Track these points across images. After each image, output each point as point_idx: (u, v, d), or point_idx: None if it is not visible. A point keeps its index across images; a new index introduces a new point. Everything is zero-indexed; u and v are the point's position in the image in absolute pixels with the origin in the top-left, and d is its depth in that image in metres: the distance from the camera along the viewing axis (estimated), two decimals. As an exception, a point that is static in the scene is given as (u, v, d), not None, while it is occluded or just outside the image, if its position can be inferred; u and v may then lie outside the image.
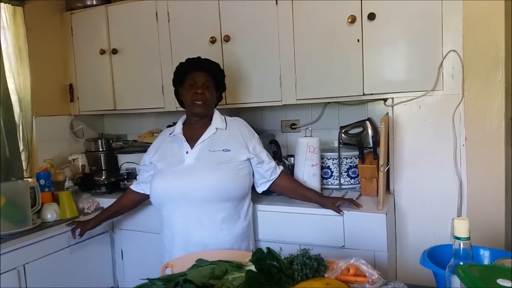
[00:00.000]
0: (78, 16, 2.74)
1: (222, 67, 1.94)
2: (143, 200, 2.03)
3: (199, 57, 1.86)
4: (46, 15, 2.70)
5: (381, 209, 1.82)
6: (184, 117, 1.89)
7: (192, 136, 1.79)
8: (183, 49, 2.37)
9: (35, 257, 1.94)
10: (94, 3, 2.69)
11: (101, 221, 2.03)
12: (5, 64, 2.39)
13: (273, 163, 1.88)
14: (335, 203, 1.83)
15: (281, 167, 1.93)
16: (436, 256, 1.28)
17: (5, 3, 2.39)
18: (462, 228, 0.96)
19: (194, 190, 1.66)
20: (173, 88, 1.94)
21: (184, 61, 1.87)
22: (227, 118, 1.88)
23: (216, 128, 1.80)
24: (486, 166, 1.90)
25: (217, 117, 1.84)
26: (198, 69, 1.80)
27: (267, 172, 1.85)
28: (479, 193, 1.91)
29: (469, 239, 0.96)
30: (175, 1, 2.42)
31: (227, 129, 1.82)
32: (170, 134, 1.87)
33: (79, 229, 1.98)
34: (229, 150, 1.74)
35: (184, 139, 1.79)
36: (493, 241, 1.80)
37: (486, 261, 1.31)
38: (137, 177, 2.03)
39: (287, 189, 1.92)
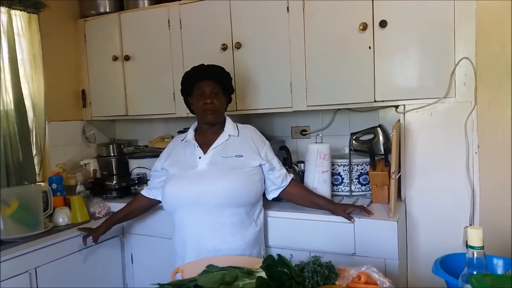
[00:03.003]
0: (92, 24, 2.78)
1: (233, 74, 1.96)
2: (153, 205, 2.04)
3: (202, 65, 1.87)
4: (60, 23, 2.74)
5: (392, 217, 1.81)
6: (196, 124, 1.91)
7: (204, 142, 1.81)
8: (194, 56, 2.39)
9: (46, 261, 1.95)
10: (107, 10, 2.73)
11: (110, 225, 2.04)
12: (20, 70, 2.43)
13: (284, 170, 1.88)
14: (346, 210, 1.82)
15: (292, 175, 1.93)
16: (448, 265, 1.26)
17: (20, 10, 2.44)
18: (475, 237, 0.95)
19: (207, 195, 1.67)
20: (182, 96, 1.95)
21: (189, 69, 1.87)
22: (239, 125, 1.89)
23: (229, 135, 1.81)
24: (499, 174, 1.88)
25: (229, 124, 1.85)
26: (204, 78, 1.80)
27: (278, 179, 1.85)
28: (491, 201, 1.89)
29: (483, 248, 0.95)
30: (187, 8, 2.45)
31: (239, 136, 1.83)
32: (182, 141, 1.88)
33: (91, 237, 1.99)
34: (242, 156, 1.76)
35: (196, 144, 1.80)
36: (506, 250, 1.77)
37: (499, 271, 1.29)
38: (148, 182, 2.04)
39: (298, 196, 1.91)
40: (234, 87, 1.97)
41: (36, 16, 2.53)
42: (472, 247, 0.95)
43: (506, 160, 1.86)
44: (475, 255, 0.95)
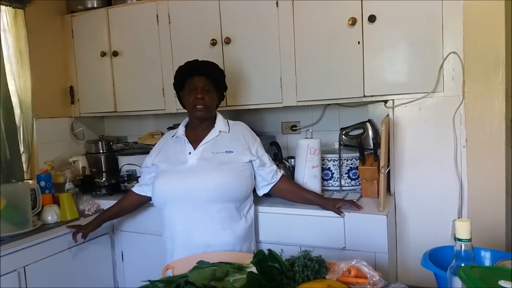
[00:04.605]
0: (79, 19, 2.74)
1: (223, 69, 1.95)
2: (144, 202, 2.03)
3: (196, 60, 1.86)
4: (47, 18, 2.70)
5: (381, 211, 1.82)
6: (187, 119, 1.90)
7: (194, 138, 1.81)
8: (183, 51, 2.37)
9: (35, 259, 1.94)
10: (95, 5, 2.69)
11: (101, 222, 2.03)
12: (6, 66, 2.39)
13: (275, 166, 1.89)
14: (336, 205, 1.83)
15: (282, 171, 1.93)
16: (437, 258, 1.28)
17: (6, 5, 2.40)
18: (463, 230, 0.96)
19: (197, 190, 1.67)
20: (173, 90, 1.94)
21: (183, 64, 1.87)
22: (230, 121, 1.89)
23: (220, 131, 1.81)
24: (487, 168, 1.90)
25: (220, 121, 1.85)
26: (197, 73, 1.80)
27: (269, 174, 1.86)
28: (479, 195, 1.91)
29: (471, 241, 0.96)
30: (176, 3, 2.42)
31: (230, 132, 1.84)
32: (172, 137, 1.88)
33: (80, 233, 1.98)
34: (232, 152, 1.76)
35: (186, 140, 1.80)
36: (494, 242, 1.80)
37: (487, 263, 1.31)
38: (139, 179, 2.03)
39: (288, 192, 1.92)
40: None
41: (22, 11, 2.49)
42: (460, 240, 0.96)
43: (494, 153, 1.88)
44: (463, 247, 0.96)
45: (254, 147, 1.83)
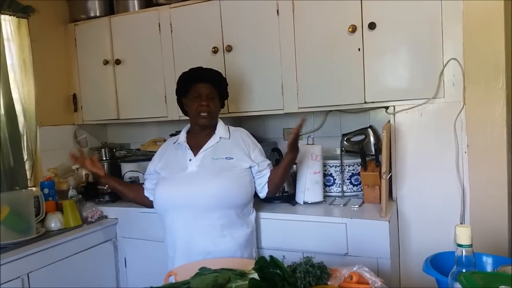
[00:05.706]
0: (82, 28, 2.77)
1: (224, 77, 1.96)
2: (146, 204, 1.95)
3: (201, 67, 1.88)
4: (50, 27, 2.73)
5: (384, 217, 1.82)
6: (188, 126, 1.91)
7: (195, 144, 1.81)
8: (185, 59, 2.39)
9: (39, 266, 1.95)
10: (98, 14, 2.72)
11: (110, 179, 1.94)
12: (10, 75, 2.41)
13: (271, 168, 1.87)
14: (289, 144, 1.75)
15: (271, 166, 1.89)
16: (439, 263, 1.28)
17: (10, 15, 2.43)
18: (464, 236, 0.96)
19: (197, 197, 1.67)
20: (175, 97, 1.95)
21: (186, 70, 1.88)
22: (230, 127, 1.90)
23: (220, 137, 1.82)
24: (489, 173, 1.90)
25: (220, 127, 1.86)
26: (202, 80, 1.82)
27: (265, 176, 1.84)
28: (481, 200, 1.91)
29: (471, 246, 0.96)
30: (178, 12, 2.45)
31: (230, 138, 1.84)
32: (174, 143, 1.88)
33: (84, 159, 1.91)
34: (232, 158, 1.76)
35: (187, 146, 1.81)
36: (495, 247, 1.79)
37: (488, 268, 1.31)
38: (144, 185, 2.01)
39: (273, 176, 1.84)
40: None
41: (26, 21, 2.52)
42: (461, 245, 0.97)
43: (495, 159, 1.88)
44: (464, 253, 0.96)
45: (253, 153, 1.83)
